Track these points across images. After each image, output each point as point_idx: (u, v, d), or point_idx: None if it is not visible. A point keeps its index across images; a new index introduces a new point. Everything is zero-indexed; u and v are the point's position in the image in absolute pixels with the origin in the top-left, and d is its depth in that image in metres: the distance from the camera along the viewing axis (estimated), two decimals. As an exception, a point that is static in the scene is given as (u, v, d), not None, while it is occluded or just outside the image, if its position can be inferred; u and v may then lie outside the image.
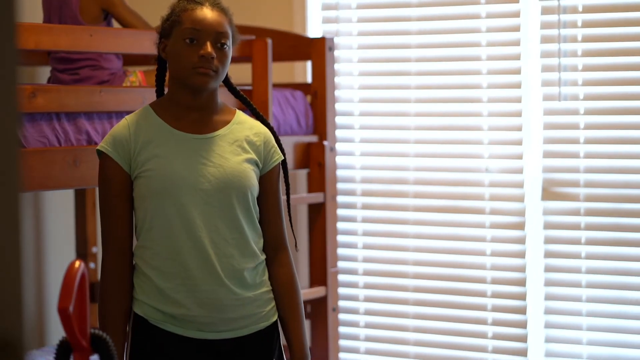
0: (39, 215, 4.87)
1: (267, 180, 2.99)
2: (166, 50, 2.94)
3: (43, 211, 4.86)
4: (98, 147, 2.92)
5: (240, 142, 2.95)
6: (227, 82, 3.09)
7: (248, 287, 2.92)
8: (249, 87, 4.26)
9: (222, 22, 2.91)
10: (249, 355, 2.93)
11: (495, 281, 4.61)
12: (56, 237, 4.97)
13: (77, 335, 1.89)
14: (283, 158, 3.02)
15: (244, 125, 2.98)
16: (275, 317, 2.99)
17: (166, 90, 3.04)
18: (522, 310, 4.54)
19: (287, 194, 3.13)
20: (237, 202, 2.90)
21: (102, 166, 2.92)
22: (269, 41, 4.24)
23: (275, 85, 4.52)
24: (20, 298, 1.24)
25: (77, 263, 1.91)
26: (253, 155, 2.96)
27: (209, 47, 2.86)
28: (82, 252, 4.87)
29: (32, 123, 3.39)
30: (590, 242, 4.41)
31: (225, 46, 2.90)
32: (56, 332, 4.91)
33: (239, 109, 3.14)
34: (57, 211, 4.92)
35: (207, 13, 2.90)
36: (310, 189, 4.62)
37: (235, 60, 4.63)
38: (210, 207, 2.88)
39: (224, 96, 3.08)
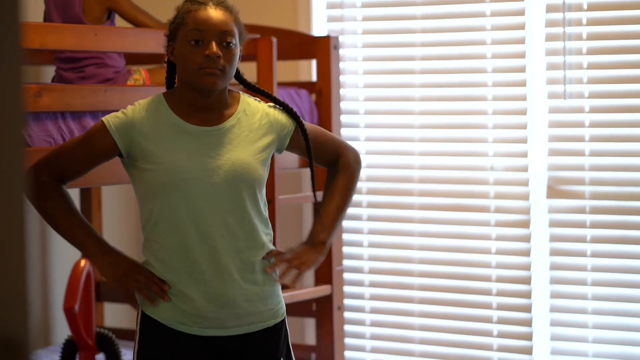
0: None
1: (295, 141, 3.01)
2: (174, 53, 2.93)
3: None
4: (104, 119, 2.90)
5: (248, 132, 2.93)
6: (240, 79, 3.06)
7: (257, 282, 2.92)
8: (254, 86, 4.26)
9: (227, 21, 2.90)
10: (256, 352, 2.93)
11: (500, 279, 4.61)
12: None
13: (82, 334, 1.90)
14: (295, 125, 3.00)
15: (249, 110, 2.96)
16: (284, 316, 3.00)
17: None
18: (528, 309, 4.54)
19: (309, 155, 3.06)
20: (246, 196, 2.90)
21: (96, 130, 2.91)
22: (274, 40, 4.24)
23: (280, 84, 4.52)
24: (26, 297, 1.24)
25: (83, 262, 1.91)
26: (265, 140, 2.94)
27: (214, 47, 2.85)
28: (88, 251, 4.88)
29: (37, 122, 3.40)
30: (596, 240, 4.41)
31: (232, 44, 2.88)
32: (62, 331, 4.92)
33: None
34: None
35: (210, 13, 2.89)
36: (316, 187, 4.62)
37: (240, 58, 4.64)
38: (220, 200, 2.87)
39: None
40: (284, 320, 3.00)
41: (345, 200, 3.10)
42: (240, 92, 3.02)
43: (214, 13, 2.89)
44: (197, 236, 2.87)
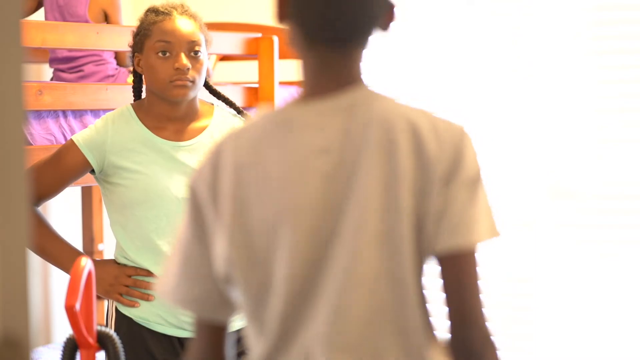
0: (45, 212, 4.87)
1: None
2: (140, 64, 2.91)
3: (49, 208, 4.86)
4: (74, 137, 2.90)
5: None
6: (205, 85, 3.04)
7: None
8: (256, 85, 4.26)
9: (193, 30, 2.88)
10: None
11: (501, 279, 4.60)
12: (62, 235, 4.96)
13: (83, 332, 1.90)
14: None
15: (222, 125, 2.96)
16: None
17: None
18: (529, 309, 4.54)
19: None
20: None
21: (67, 149, 2.91)
22: (275, 39, 4.24)
23: (282, 83, 4.52)
24: (27, 295, 1.24)
25: (84, 260, 1.91)
26: None
27: (183, 59, 2.83)
28: (89, 249, 4.88)
29: (38, 120, 3.40)
30: (598, 240, 4.40)
31: (199, 53, 2.87)
32: (62, 328, 4.92)
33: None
34: (64, 208, 4.93)
35: (176, 23, 2.86)
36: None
37: (241, 57, 4.64)
38: None
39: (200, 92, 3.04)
40: None
41: None
42: (214, 105, 3.01)
43: (180, 23, 2.86)
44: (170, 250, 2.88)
